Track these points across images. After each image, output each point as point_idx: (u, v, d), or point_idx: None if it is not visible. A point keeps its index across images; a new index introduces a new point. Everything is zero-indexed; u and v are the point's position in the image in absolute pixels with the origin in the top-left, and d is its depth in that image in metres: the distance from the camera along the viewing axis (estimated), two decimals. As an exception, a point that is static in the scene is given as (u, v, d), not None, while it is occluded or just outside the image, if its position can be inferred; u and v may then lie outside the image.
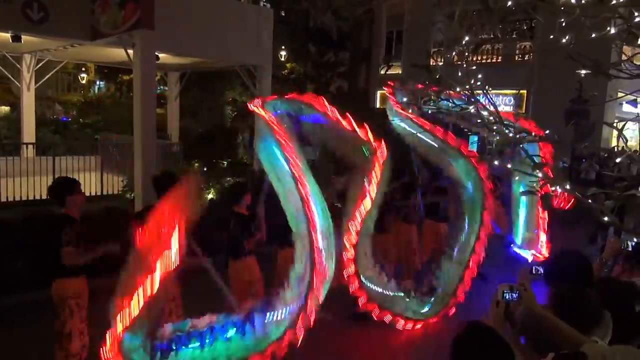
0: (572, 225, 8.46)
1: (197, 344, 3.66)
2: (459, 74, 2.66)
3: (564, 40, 2.57)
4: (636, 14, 2.20)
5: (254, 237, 4.88)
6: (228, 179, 9.82)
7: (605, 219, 2.41)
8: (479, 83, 2.67)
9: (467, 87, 2.56)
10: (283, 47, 18.59)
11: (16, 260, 5.88)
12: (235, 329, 3.84)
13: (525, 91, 18.03)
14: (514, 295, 2.36)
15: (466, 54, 2.89)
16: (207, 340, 3.68)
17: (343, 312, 5.48)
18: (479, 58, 18.16)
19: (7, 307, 5.61)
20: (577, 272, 2.70)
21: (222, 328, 3.80)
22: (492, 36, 2.89)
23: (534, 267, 2.86)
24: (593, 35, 2.59)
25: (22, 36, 9.02)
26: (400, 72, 21.31)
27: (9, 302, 5.69)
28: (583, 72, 2.70)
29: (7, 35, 8.93)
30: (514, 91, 17.64)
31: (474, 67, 2.70)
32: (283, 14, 17.92)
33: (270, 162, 4.28)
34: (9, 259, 5.85)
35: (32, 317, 5.41)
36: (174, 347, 3.57)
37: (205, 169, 12.48)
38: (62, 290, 4.11)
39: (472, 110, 2.57)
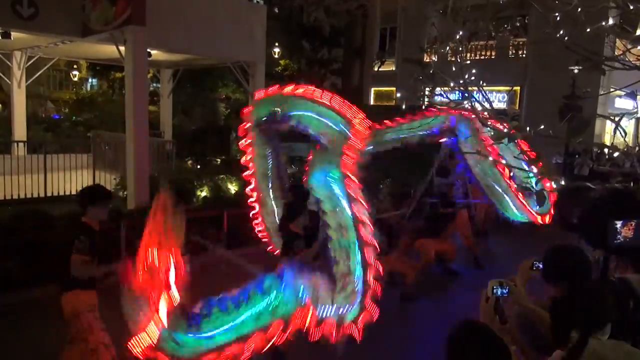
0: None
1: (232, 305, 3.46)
2: (453, 69, 2.64)
3: (558, 35, 2.56)
4: (632, 6, 2.19)
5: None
6: (221, 176, 9.78)
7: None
8: (472, 78, 2.65)
9: (461, 82, 2.54)
10: (277, 44, 18.52)
11: (6, 259, 5.82)
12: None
13: (518, 88, 18.09)
14: (504, 290, 2.39)
15: (460, 48, 2.87)
16: (241, 299, 3.47)
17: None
18: (473, 55, 18.21)
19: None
20: (578, 269, 2.66)
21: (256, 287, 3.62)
22: (485, 31, 2.88)
23: (534, 263, 2.86)
24: (588, 29, 2.58)
25: (12, 33, 8.92)
26: (394, 68, 21.32)
27: (-1, 301, 5.63)
28: (576, 68, 2.69)
29: (-4, 32, 8.84)
30: (507, 88, 17.70)
31: (468, 62, 2.67)
32: (276, 11, 17.84)
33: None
34: (-1, 258, 5.79)
35: (21, 316, 5.36)
36: (205, 312, 3.37)
37: (198, 167, 12.43)
38: (76, 303, 3.79)
39: (467, 106, 2.56)
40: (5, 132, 13.66)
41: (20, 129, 12.52)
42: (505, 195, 6.42)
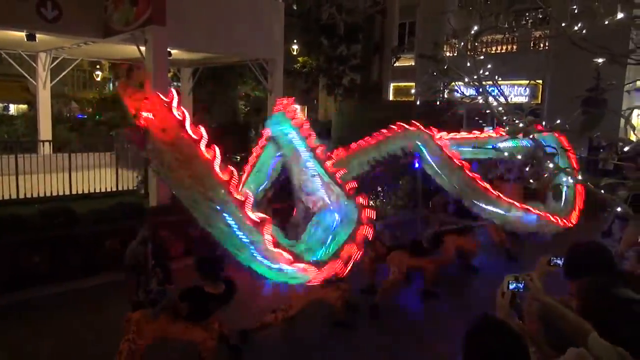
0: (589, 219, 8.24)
1: None
2: (468, 64, 2.62)
3: (575, 28, 2.52)
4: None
5: None
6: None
7: (619, 209, 2.36)
8: (487, 73, 2.63)
9: (475, 77, 2.53)
10: (295, 41, 18.52)
11: (33, 255, 5.99)
12: None
13: (541, 81, 17.76)
14: (520, 285, 2.37)
15: (476, 44, 2.85)
16: None
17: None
18: (491, 48, 17.94)
19: (23, 301, 5.71)
20: (599, 264, 2.61)
21: None
22: (505, 25, 2.85)
23: (551, 259, 2.81)
24: (606, 22, 2.53)
25: (37, 35, 9.14)
26: (413, 63, 21.17)
27: (25, 296, 5.80)
28: (600, 60, 2.64)
29: (22, 34, 9.05)
30: (528, 81, 17.40)
31: (482, 57, 2.65)
32: (294, 8, 17.85)
33: None
34: (26, 253, 5.96)
35: (46, 311, 5.52)
36: None
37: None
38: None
39: (481, 101, 2.54)
40: (32, 132, 14.00)
41: (45, 129, 12.82)
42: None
